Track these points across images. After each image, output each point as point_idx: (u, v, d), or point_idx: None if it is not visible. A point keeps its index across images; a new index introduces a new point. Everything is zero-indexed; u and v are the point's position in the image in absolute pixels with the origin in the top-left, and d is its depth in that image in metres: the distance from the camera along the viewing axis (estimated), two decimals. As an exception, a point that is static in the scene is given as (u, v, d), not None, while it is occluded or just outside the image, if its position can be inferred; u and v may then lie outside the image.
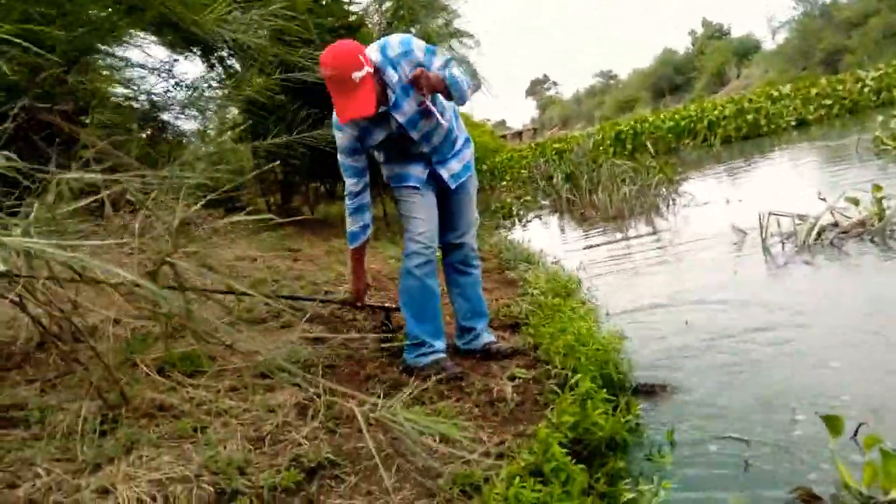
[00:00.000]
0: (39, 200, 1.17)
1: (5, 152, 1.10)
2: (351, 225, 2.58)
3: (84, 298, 1.89)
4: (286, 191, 8.11)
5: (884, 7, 29.10)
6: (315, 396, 2.05)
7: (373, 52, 2.35)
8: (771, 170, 9.12)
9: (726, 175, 9.43)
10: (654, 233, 5.99)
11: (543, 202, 10.46)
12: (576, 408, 1.99)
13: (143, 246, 1.56)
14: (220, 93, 4.97)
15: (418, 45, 2.38)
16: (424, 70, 2.26)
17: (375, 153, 2.60)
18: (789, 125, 14.52)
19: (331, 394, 1.94)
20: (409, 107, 2.40)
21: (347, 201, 2.56)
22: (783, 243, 4.29)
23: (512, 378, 2.42)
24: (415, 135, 2.48)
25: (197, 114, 4.74)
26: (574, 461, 1.73)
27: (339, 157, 2.52)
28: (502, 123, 46.44)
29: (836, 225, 4.23)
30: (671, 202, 7.39)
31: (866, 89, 14.75)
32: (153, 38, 4.36)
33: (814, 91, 15.91)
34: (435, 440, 1.78)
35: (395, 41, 2.38)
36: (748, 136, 14.67)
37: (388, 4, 8.52)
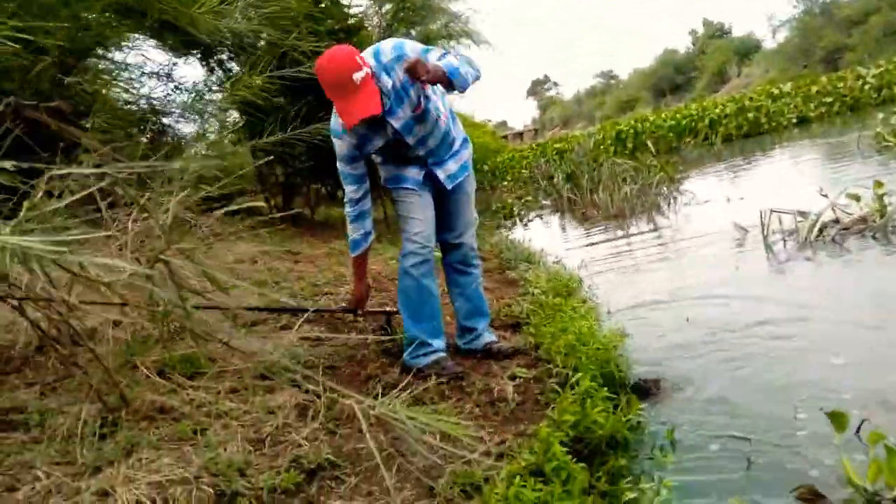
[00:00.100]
0: (29, 198, 1.17)
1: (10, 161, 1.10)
2: (353, 233, 2.56)
3: (83, 299, 1.89)
4: (287, 193, 8.11)
5: (884, 5, 29.10)
6: (315, 397, 2.05)
7: (366, 57, 2.33)
8: (772, 167, 9.11)
9: (727, 173, 9.41)
10: (656, 230, 5.98)
11: (544, 202, 10.46)
12: (576, 407, 1.99)
13: (136, 243, 1.55)
14: (219, 96, 4.99)
15: (412, 48, 2.36)
16: (420, 59, 2.22)
17: (373, 155, 2.60)
18: (790, 123, 14.51)
19: (331, 393, 1.94)
20: (403, 112, 2.40)
21: (348, 208, 2.54)
22: (785, 240, 4.28)
23: (513, 377, 2.42)
24: (410, 140, 2.47)
25: (196, 117, 4.76)
26: (575, 460, 1.73)
27: (338, 164, 2.50)
28: (503, 124, 46.52)
29: (837, 221, 4.22)
30: (672, 201, 7.38)
31: (867, 87, 14.72)
32: (152, 41, 4.38)
33: (814, 89, 15.87)
34: (436, 438, 1.77)
35: (387, 47, 2.36)
36: (749, 135, 14.65)
37: (387, 7, 8.52)
